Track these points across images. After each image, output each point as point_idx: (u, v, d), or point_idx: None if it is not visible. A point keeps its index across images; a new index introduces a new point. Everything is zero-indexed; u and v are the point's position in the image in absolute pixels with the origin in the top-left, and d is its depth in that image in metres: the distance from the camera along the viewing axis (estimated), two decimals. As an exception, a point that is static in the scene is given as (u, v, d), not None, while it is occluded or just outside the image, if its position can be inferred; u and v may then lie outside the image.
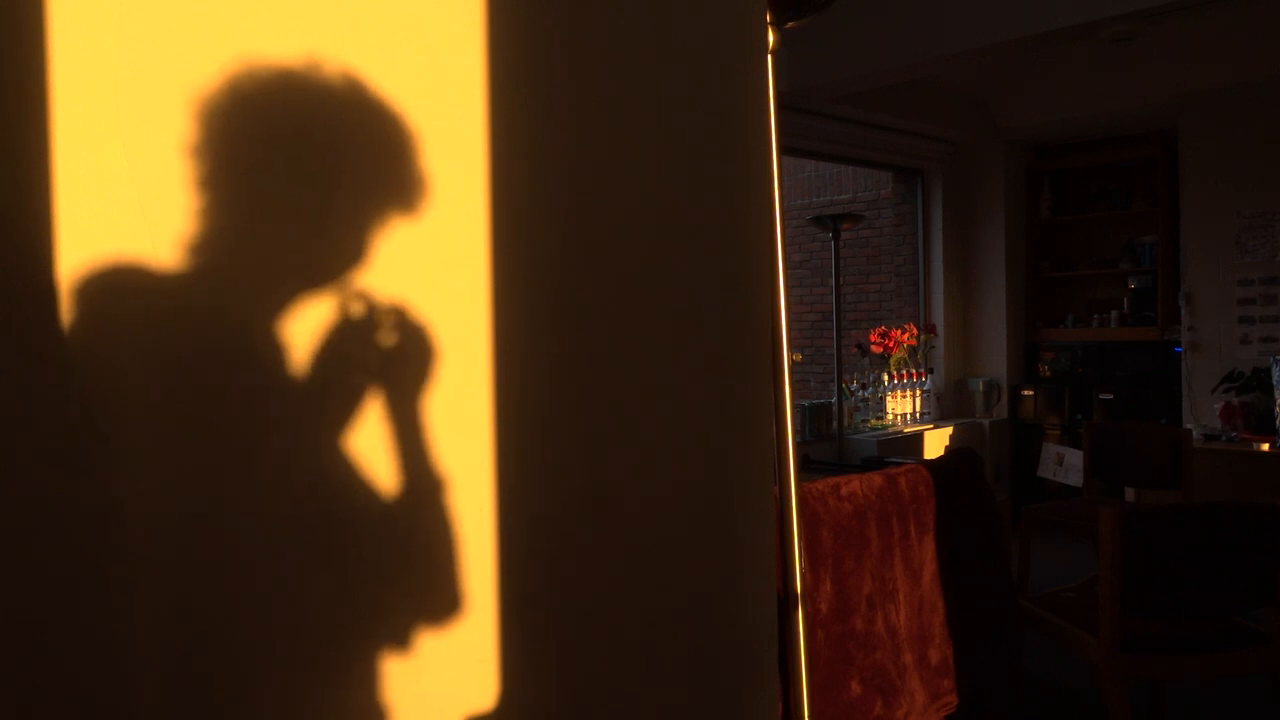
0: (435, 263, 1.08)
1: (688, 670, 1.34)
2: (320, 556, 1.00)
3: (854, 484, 2.32)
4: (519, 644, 1.15)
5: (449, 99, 1.08)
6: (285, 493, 0.98)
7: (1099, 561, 2.38)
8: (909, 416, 5.71)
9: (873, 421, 5.53)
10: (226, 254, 0.94)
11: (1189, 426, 4.97)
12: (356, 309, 1.02)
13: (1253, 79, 5.08)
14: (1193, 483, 4.07)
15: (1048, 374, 6.14)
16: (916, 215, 6.17)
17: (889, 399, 5.64)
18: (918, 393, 5.76)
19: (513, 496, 1.14)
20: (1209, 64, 5.13)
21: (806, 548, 2.14)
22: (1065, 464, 4.83)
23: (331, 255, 1.01)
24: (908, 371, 5.72)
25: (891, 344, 5.65)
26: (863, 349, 5.87)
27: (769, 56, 1.57)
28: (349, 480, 1.02)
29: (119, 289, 0.89)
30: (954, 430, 5.79)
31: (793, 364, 1.64)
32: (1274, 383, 4.69)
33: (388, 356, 1.04)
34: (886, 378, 5.65)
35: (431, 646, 1.08)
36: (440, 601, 1.09)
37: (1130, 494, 5.02)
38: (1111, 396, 5.78)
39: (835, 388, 5.11)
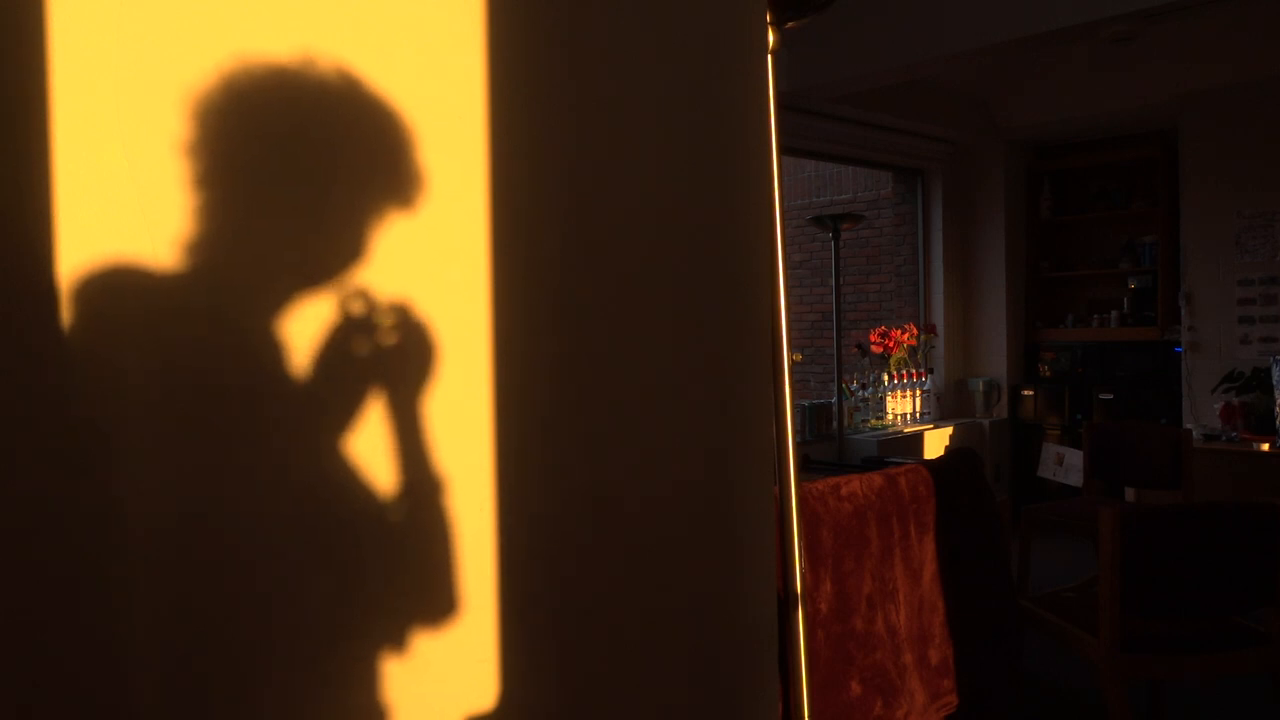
0: (435, 263, 1.08)
1: (688, 670, 1.34)
2: (320, 556, 1.00)
3: (854, 484, 2.32)
4: (519, 644, 1.15)
5: (449, 99, 1.08)
6: (285, 493, 0.98)
7: (1099, 561, 2.38)
8: (909, 416, 5.71)
9: (873, 421, 5.53)
10: (226, 253, 0.94)
11: (1189, 426, 4.97)
12: (357, 308, 1.02)
13: (1253, 79, 5.08)
14: (1193, 483, 4.07)
15: (1048, 374, 6.14)
16: (916, 215, 6.17)
17: (889, 399, 5.64)
18: (918, 393, 5.76)
19: (513, 496, 1.14)
20: (1209, 64, 5.13)
21: (806, 548, 2.14)
22: (1065, 464, 4.83)
23: (329, 252, 1.01)
24: (908, 371, 5.72)
25: (891, 344, 5.65)
26: (863, 349, 5.87)
27: (769, 56, 1.57)
28: (349, 480, 1.02)
29: (119, 289, 0.89)
30: (954, 430, 5.79)
31: (793, 364, 1.64)
32: (1274, 383, 4.69)
33: (388, 356, 1.04)
34: (886, 378, 5.66)
35: (431, 646, 1.08)
36: (440, 601, 1.09)
37: (1130, 494, 5.02)
38: (1111, 396, 5.78)
39: (835, 388, 5.11)
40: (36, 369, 0.85)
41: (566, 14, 1.19)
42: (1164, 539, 2.38)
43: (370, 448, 1.03)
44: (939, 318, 6.09)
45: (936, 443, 5.60)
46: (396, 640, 1.06)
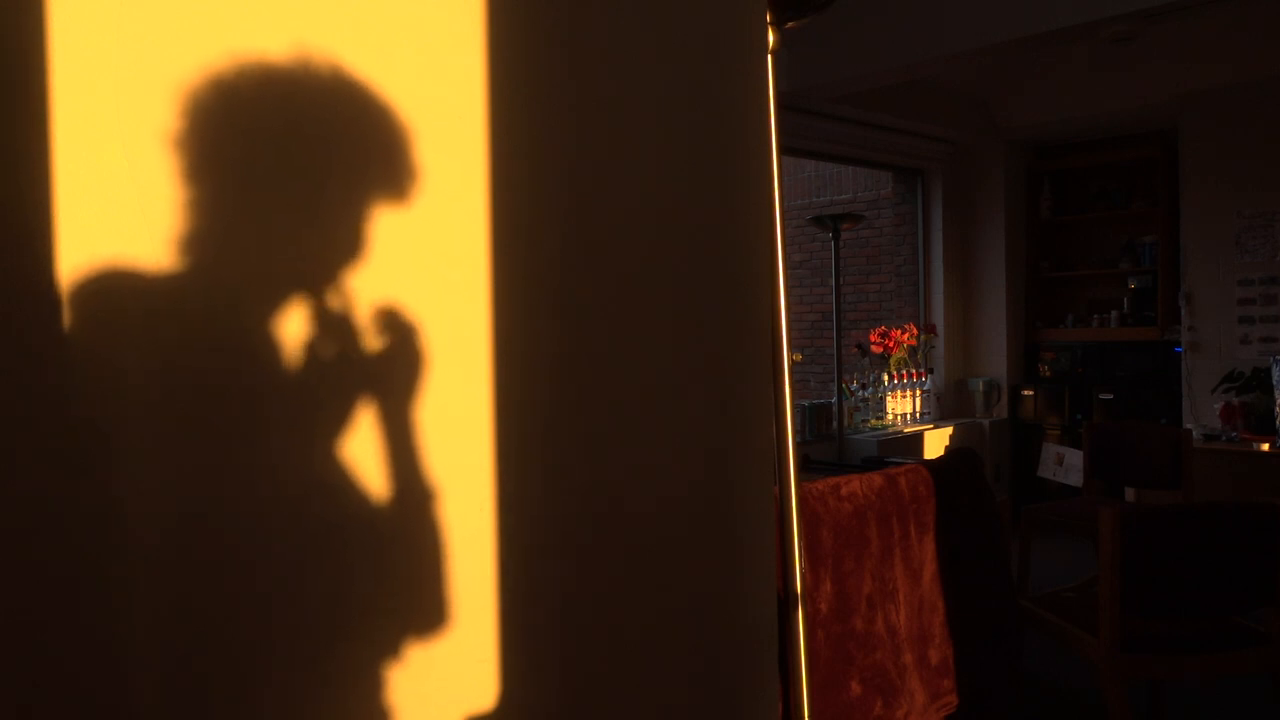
0: (435, 263, 1.08)
1: (688, 670, 1.34)
2: (320, 556, 1.00)
3: (854, 484, 2.32)
4: (519, 644, 1.15)
5: (449, 99, 1.08)
6: (285, 492, 0.98)
7: (1099, 561, 2.38)
8: (909, 416, 5.71)
9: (873, 421, 5.53)
10: (225, 253, 0.94)
11: (1189, 426, 4.97)
12: (356, 308, 1.02)
13: (1253, 79, 5.08)
14: (1193, 483, 4.07)
15: (1048, 374, 6.14)
16: (916, 215, 6.17)
17: (889, 399, 5.64)
18: (918, 393, 5.76)
19: (512, 496, 1.14)
20: (1209, 64, 5.13)
21: (806, 548, 2.14)
22: (1065, 464, 4.83)
23: (329, 252, 1.01)
24: (908, 371, 5.72)
25: (891, 344, 5.65)
26: (863, 349, 5.87)
27: (769, 56, 1.57)
28: (348, 481, 1.02)
29: (119, 289, 0.89)
30: (954, 430, 5.79)
31: (793, 364, 1.64)
32: (1274, 383, 4.69)
33: (387, 355, 1.04)
34: (886, 378, 5.65)
35: (432, 646, 1.08)
36: (440, 601, 1.09)
37: (1130, 494, 5.01)
38: (1111, 396, 5.78)
39: (835, 388, 5.11)
40: (36, 369, 0.85)
41: (566, 14, 1.19)
42: (1164, 539, 2.38)
43: (369, 448, 1.03)
44: (939, 318, 6.09)
45: (936, 443, 5.60)
46: (397, 640, 1.06)
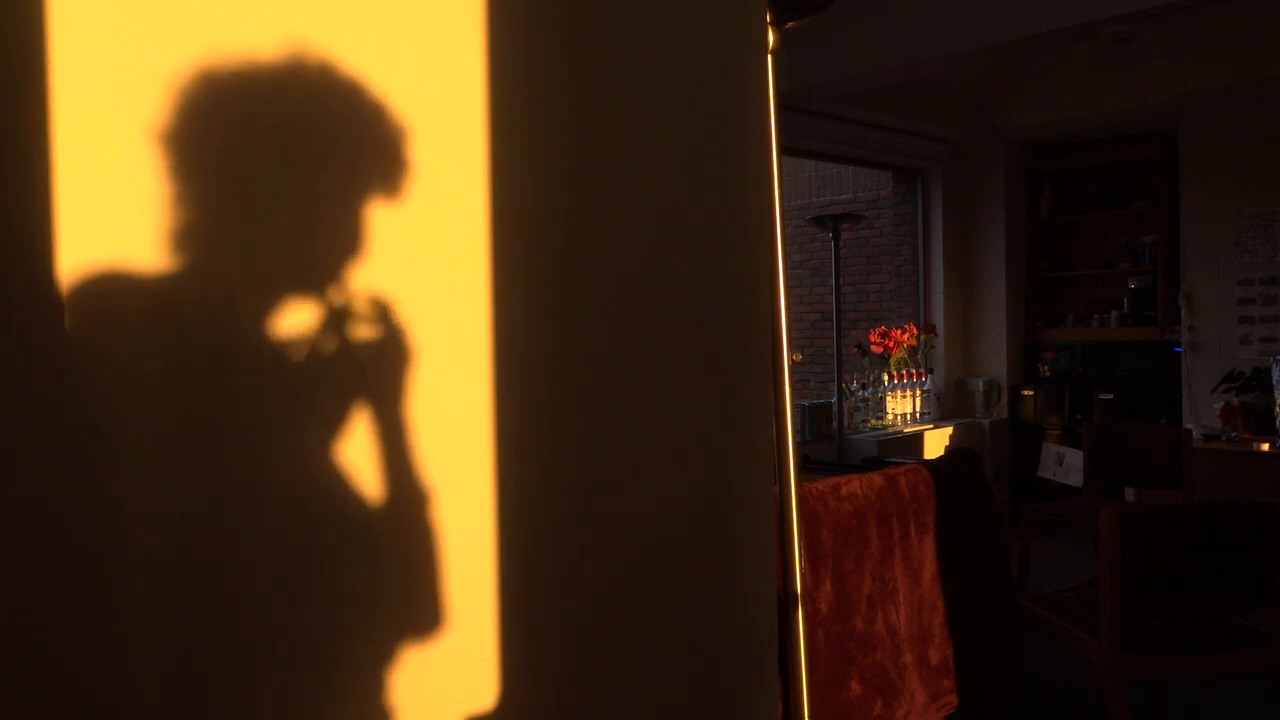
0: (435, 263, 1.08)
1: (688, 670, 1.34)
2: (320, 556, 1.00)
3: (854, 484, 2.32)
4: (519, 644, 1.15)
5: (449, 99, 1.08)
6: (285, 492, 0.98)
7: (1099, 561, 2.38)
8: (909, 416, 5.71)
9: (873, 421, 5.53)
10: (224, 252, 0.94)
11: (1189, 426, 4.97)
12: (357, 308, 1.02)
13: (1253, 79, 5.08)
14: (1193, 483, 4.07)
15: (1048, 374, 6.14)
16: (916, 215, 6.17)
17: (889, 399, 5.64)
18: (918, 393, 5.76)
19: (513, 496, 1.14)
20: (1209, 64, 5.13)
21: (806, 548, 2.14)
22: (1065, 464, 4.83)
23: (328, 252, 1.01)
24: (908, 371, 5.72)
25: (891, 344, 5.65)
26: (863, 349, 5.87)
27: (769, 56, 1.57)
28: (350, 480, 1.02)
29: (119, 289, 0.89)
30: (954, 430, 5.79)
31: (793, 364, 1.64)
32: (1274, 383, 4.69)
33: (387, 355, 1.04)
34: (886, 378, 5.65)
35: (431, 646, 1.08)
36: (440, 601, 1.09)
37: (1130, 494, 5.01)
38: (1111, 396, 5.78)
39: (835, 388, 5.11)
40: (36, 369, 0.85)
41: (566, 14, 1.19)
42: (1164, 539, 2.38)
43: (369, 447, 1.03)
44: (939, 318, 6.09)
45: (936, 443, 5.59)
46: (397, 640, 1.06)
